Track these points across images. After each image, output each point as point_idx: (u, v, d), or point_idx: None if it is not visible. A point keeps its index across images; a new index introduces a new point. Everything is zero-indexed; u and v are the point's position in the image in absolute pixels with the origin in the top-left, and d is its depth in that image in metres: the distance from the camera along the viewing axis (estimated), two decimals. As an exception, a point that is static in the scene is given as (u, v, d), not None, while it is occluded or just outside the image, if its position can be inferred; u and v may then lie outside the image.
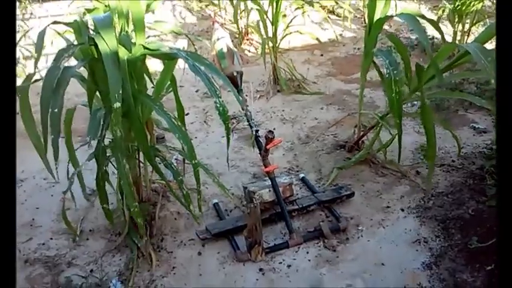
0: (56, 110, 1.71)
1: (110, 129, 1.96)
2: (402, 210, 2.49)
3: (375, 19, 2.56)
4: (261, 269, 2.18)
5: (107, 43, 1.79)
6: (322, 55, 4.59)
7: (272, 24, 3.73)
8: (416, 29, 2.25)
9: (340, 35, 5.04)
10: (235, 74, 2.55)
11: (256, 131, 2.49)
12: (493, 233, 2.14)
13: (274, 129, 3.27)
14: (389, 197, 2.59)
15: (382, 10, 2.55)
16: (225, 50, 2.60)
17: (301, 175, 2.75)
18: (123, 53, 1.93)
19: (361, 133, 2.87)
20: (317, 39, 4.15)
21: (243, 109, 2.53)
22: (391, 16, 2.52)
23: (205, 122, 3.55)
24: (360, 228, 2.39)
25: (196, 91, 3.97)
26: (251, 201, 2.40)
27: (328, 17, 5.15)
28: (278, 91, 3.85)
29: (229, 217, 2.52)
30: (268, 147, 2.30)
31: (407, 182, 2.69)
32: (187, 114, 3.46)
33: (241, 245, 2.29)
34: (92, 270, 2.23)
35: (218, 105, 1.77)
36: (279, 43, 3.87)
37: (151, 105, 2.01)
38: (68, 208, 2.69)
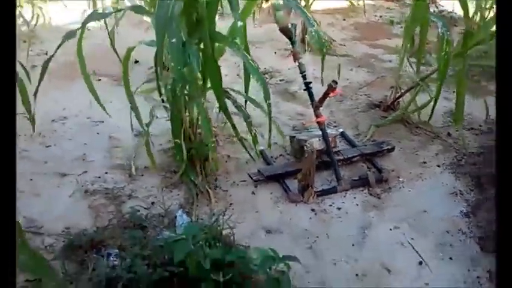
0: (174, 40, 1.78)
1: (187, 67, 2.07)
2: (438, 166, 2.68)
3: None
4: (313, 210, 2.35)
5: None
6: (344, 19, 4.69)
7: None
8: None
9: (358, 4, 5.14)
10: (289, 26, 2.64)
11: (309, 82, 2.60)
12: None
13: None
14: (425, 154, 2.78)
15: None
16: (281, 1, 2.67)
17: (340, 130, 2.90)
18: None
19: (398, 94, 3.02)
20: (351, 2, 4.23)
21: (294, 60, 2.62)
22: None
23: (237, 75, 3.64)
24: (400, 179, 2.57)
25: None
26: (301, 148, 2.55)
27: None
28: (305, 51, 3.95)
29: (276, 163, 2.66)
30: (331, 95, 2.43)
31: (439, 141, 2.89)
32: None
33: (291, 187, 2.45)
34: (153, 203, 2.35)
35: (314, 33, 1.89)
36: (311, 3, 3.94)
37: (229, 44, 2.10)
38: (117, 146, 2.81)
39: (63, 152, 2.71)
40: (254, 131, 2.30)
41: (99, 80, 3.43)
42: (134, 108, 2.51)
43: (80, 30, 2.14)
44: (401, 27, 4.66)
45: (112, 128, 2.92)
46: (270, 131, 2.33)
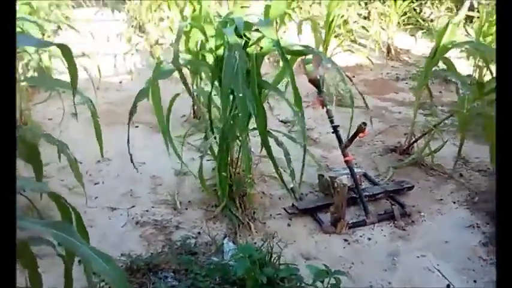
0: (241, 95, 2.09)
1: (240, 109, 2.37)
2: (453, 202, 2.95)
3: (441, 44, 3.04)
4: (345, 240, 2.58)
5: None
6: (354, 76, 5.10)
7: (323, 44, 4.21)
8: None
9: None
10: (318, 77, 2.98)
11: (337, 126, 2.91)
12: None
13: (327, 133, 3.71)
14: (441, 192, 3.05)
15: (448, 36, 3.03)
16: (310, 56, 3.04)
17: (363, 171, 3.17)
18: (251, 49, 2.37)
19: (413, 139, 3.34)
20: (368, 58, 4.65)
21: (322, 107, 2.95)
22: (459, 43, 3.01)
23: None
24: (421, 214, 2.82)
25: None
26: (331, 185, 2.82)
27: (352, 45, 5.76)
28: (315, 104, 4.30)
29: (306, 199, 2.91)
30: (361, 135, 2.73)
31: (453, 181, 3.17)
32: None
33: (324, 220, 2.69)
34: (199, 233, 2.57)
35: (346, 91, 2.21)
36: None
37: (274, 91, 2.42)
38: (160, 184, 3.06)
39: (111, 189, 2.95)
40: (292, 167, 2.57)
41: (137, 127, 3.72)
42: (175, 150, 2.81)
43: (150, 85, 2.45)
44: (406, 83, 5.09)
45: (153, 168, 3.19)
46: (303, 166, 2.59)
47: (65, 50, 1.39)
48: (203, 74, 3.78)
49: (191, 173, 3.02)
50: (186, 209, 2.79)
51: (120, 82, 4.69)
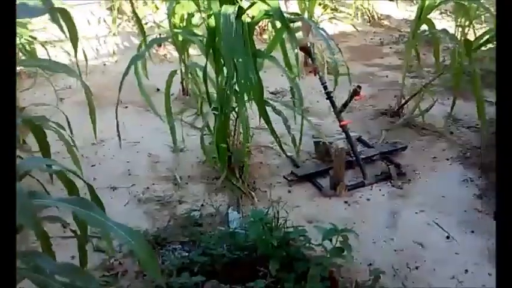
0: (241, 60, 2.09)
1: (235, 80, 2.38)
2: (447, 159, 3.02)
3: (426, 3, 3.06)
4: (346, 201, 2.65)
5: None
6: (338, 44, 5.11)
7: (308, 13, 4.21)
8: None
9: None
10: (308, 45, 2.99)
11: (331, 92, 2.93)
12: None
13: (317, 101, 3.75)
14: (434, 150, 3.12)
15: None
16: (299, 23, 3.04)
17: (357, 134, 3.22)
18: (244, 17, 2.37)
19: (403, 101, 3.39)
20: (352, 25, 4.66)
21: (315, 74, 2.96)
22: (440, 3, 3.04)
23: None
24: (417, 172, 2.90)
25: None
26: (326, 151, 2.87)
27: (334, 14, 5.78)
28: (310, 72, 4.31)
29: (305, 166, 2.96)
30: (357, 99, 2.76)
31: (444, 139, 3.24)
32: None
33: (323, 185, 2.74)
34: (202, 205, 2.61)
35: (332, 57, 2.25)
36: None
37: (269, 59, 2.43)
38: (157, 161, 3.07)
39: (109, 169, 2.95)
40: (292, 134, 2.60)
41: (126, 107, 3.70)
42: (172, 126, 2.82)
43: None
44: (390, 47, 5.13)
45: (148, 147, 3.19)
46: (301, 132, 2.64)
47: (64, 14, 1.37)
48: (190, 51, 3.79)
49: (187, 149, 3.05)
50: (187, 183, 2.81)
51: (104, 64, 4.63)
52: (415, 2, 6.52)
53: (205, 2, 2.69)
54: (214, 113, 2.55)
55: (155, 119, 3.20)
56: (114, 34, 4.98)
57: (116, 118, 2.65)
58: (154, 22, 4.79)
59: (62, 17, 1.41)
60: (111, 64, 4.60)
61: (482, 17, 4.73)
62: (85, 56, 3.72)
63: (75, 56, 1.66)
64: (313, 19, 4.40)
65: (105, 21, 5.23)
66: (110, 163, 3.04)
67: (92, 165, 3.00)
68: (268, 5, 2.23)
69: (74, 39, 1.51)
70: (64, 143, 2.31)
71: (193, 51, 3.84)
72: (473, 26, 3.55)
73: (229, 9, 2.16)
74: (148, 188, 2.77)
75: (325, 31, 2.76)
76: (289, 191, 2.74)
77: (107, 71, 4.47)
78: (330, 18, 4.89)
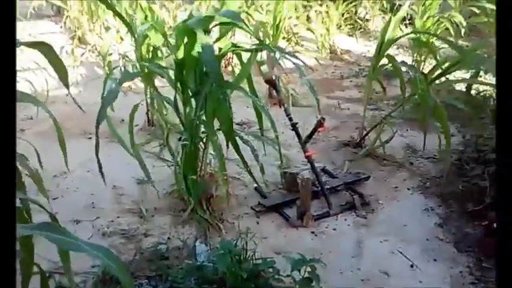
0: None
1: (204, 111, 2.41)
2: (408, 189, 3.13)
3: (386, 39, 3.22)
4: (312, 232, 2.68)
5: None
6: (300, 77, 5.25)
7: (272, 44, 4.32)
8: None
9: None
10: (273, 77, 3.07)
11: (296, 123, 3.00)
12: (482, 199, 2.81)
13: (282, 132, 3.81)
14: (395, 180, 3.22)
15: (391, 33, 3.22)
16: (264, 57, 3.12)
17: (321, 165, 3.29)
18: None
19: (364, 132, 3.51)
20: (315, 59, 4.82)
21: (280, 106, 3.02)
22: (400, 37, 3.21)
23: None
24: (380, 202, 2.97)
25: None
26: (294, 181, 2.91)
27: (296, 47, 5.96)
28: (274, 104, 4.40)
29: (272, 196, 2.98)
30: (320, 130, 2.83)
31: (405, 169, 3.36)
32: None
33: (290, 215, 2.77)
34: (169, 238, 2.57)
35: (307, 83, 2.34)
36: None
37: (238, 89, 2.47)
38: (122, 194, 3.02)
39: (72, 202, 2.87)
40: (260, 163, 2.63)
41: (90, 138, 3.63)
42: (139, 157, 2.80)
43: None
44: (351, 81, 5.31)
45: (113, 178, 3.12)
46: (280, 156, 2.68)
47: (46, 49, 1.36)
48: (156, 82, 3.80)
49: (153, 180, 3.02)
50: (153, 216, 2.77)
51: (67, 95, 4.55)
52: (372, 37, 6.84)
53: (173, 35, 2.74)
54: (183, 144, 2.55)
55: (120, 150, 3.16)
56: (74, 67, 4.93)
57: (97, 156, 2.58)
58: (119, 53, 4.78)
59: (43, 51, 1.41)
60: (75, 94, 4.51)
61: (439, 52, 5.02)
62: (47, 84, 3.68)
63: (68, 89, 1.65)
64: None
65: (67, 52, 5.18)
66: (73, 196, 2.96)
67: (54, 198, 2.91)
68: (249, 32, 2.29)
69: (62, 73, 1.50)
70: (28, 172, 2.24)
71: (159, 82, 3.85)
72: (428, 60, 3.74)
73: (206, 39, 2.21)
74: (113, 221, 2.72)
75: (296, 56, 2.83)
76: (257, 222, 2.75)
77: (70, 101, 4.39)
78: (294, 51, 5.02)
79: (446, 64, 3.11)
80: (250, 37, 4.41)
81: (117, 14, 2.60)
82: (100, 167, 2.42)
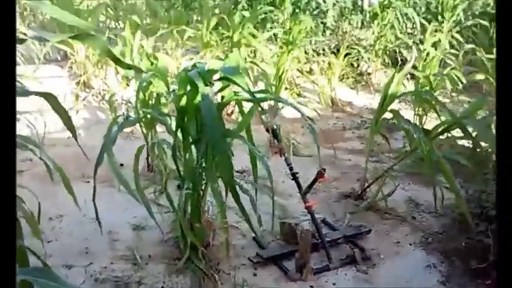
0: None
1: (205, 159, 2.40)
2: (410, 244, 3.05)
3: (389, 93, 3.24)
4: (311, 286, 2.59)
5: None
6: (302, 127, 5.29)
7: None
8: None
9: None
10: (275, 127, 3.08)
11: (296, 173, 2.98)
12: (486, 257, 2.74)
13: (283, 182, 3.78)
14: (397, 235, 3.16)
15: (394, 88, 3.25)
16: (266, 106, 3.15)
17: (322, 217, 3.23)
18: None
19: (366, 185, 3.47)
20: (314, 110, 4.88)
21: (281, 155, 3.01)
22: (403, 94, 3.24)
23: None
24: (381, 257, 2.90)
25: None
26: (292, 232, 2.85)
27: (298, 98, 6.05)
28: (276, 152, 4.39)
29: (270, 247, 2.91)
30: (321, 180, 2.80)
31: (407, 224, 3.30)
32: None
33: (289, 268, 2.69)
34: (162, 287, 2.49)
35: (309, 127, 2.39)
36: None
37: (238, 138, 2.47)
38: (117, 240, 2.95)
39: (66, 247, 2.81)
40: (258, 214, 2.59)
41: (88, 182, 3.60)
42: (145, 200, 2.76)
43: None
44: (353, 132, 5.34)
45: (108, 224, 3.06)
46: (273, 211, 2.63)
47: (51, 99, 1.37)
48: (158, 128, 3.83)
49: (149, 227, 2.97)
50: (147, 263, 2.69)
51: (68, 137, 4.56)
52: (373, 91, 6.94)
53: (175, 82, 2.77)
54: (187, 191, 2.52)
55: (117, 195, 3.13)
56: (77, 111, 4.98)
57: (93, 201, 2.56)
58: (123, 99, 4.84)
59: (48, 101, 1.42)
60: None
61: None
62: (45, 127, 3.70)
63: (73, 134, 1.70)
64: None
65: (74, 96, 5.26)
66: (67, 239, 2.90)
67: (48, 241, 2.85)
68: (243, 88, 2.30)
69: (68, 122, 1.54)
70: (23, 215, 2.21)
71: (160, 128, 3.87)
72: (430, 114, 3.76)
73: (207, 90, 2.23)
74: (106, 267, 2.64)
75: (296, 108, 2.84)
76: (255, 274, 2.67)
77: (71, 144, 4.39)
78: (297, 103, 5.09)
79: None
80: (253, 85, 4.49)
81: (124, 65, 2.64)
82: (97, 214, 2.38)
